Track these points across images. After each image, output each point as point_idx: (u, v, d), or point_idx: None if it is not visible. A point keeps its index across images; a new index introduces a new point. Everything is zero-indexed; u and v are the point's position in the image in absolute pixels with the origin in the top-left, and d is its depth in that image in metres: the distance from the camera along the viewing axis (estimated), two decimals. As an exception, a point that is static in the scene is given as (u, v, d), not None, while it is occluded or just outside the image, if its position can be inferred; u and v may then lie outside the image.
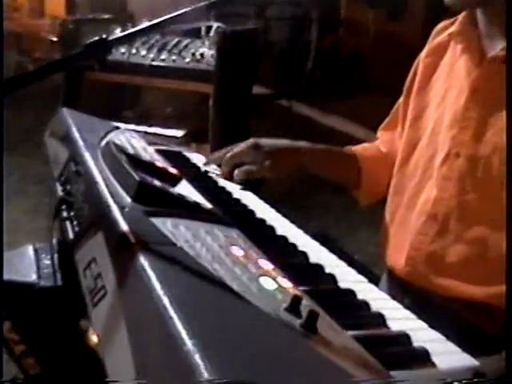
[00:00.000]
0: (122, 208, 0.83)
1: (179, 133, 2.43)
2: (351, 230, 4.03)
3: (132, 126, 2.44)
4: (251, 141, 1.42)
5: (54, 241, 1.03)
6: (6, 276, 0.99)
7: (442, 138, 1.26)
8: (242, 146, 1.41)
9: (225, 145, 1.45)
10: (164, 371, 0.52)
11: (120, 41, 0.95)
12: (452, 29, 1.31)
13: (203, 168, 1.45)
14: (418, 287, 1.27)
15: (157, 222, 0.83)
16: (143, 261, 0.67)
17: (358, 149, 1.54)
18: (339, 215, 4.13)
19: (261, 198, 1.32)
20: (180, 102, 2.91)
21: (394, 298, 1.35)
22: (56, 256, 1.00)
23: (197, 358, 0.50)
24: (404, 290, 1.31)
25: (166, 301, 0.58)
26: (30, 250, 1.05)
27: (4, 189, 1.02)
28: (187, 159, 1.53)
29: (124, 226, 0.77)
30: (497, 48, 1.18)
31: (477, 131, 1.18)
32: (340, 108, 5.93)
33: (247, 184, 1.39)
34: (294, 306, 0.68)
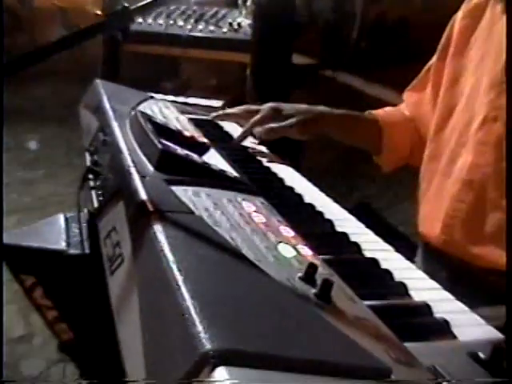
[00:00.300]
0: (143, 177, 0.83)
1: (217, 103, 2.42)
2: (395, 200, 3.99)
3: (170, 97, 2.45)
4: (271, 104, 1.42)
5: (84, 210, 1.04)
6: (37, 244, 1.01)
7: (479, 103, 1.22)
8: (262, 111, 1.41)
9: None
10: (169, 341, 0.52)
11: (142, 9, 0.94)
12: None
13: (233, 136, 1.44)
14: (454, 257, 1.24)
15: (178, 190, 0.83)
16: (158, 228, 0.67)
17: (380, 113, 1.52)
18: (383, 186, 4.09)
19: (292, 167, 1.32)
20: (218, 73, 2.90)
21: (430, 269, 1.34)
22: (85, 225, 1.01)
23: (200, 328, 0.49)
24: (440, 261, 1.29)
25: (175, 269, 0.58)
26: (61, 219, 1.07)
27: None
28: (220, 128, 1.53)
29: (143, 195, 0.77)
30: None
31: None
32: (385, 78, 5.84)
33: (284, 151, 1.39)
34: (309, 274, 0.67)
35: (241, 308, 0.55)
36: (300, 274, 0.68)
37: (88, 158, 1.12)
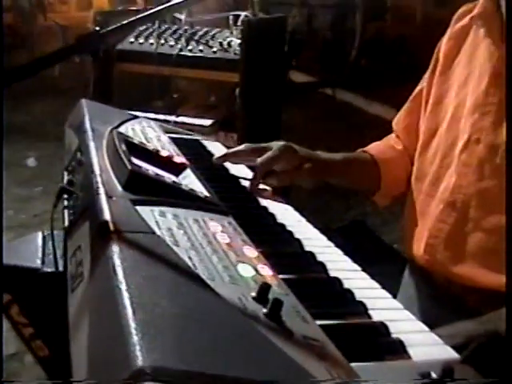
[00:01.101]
0: (109, 197, 0.85)
1: (207, 122, 2.45)
2: (391, 218, 4.00)
3: (161, 116, 2.48)
4: (285, 144, 1.29)
5: (57, 228, 1.06)
6: (13, 261, 1.03)
7: (463, 124, 1.25)
8: (275, 151, 1.26)
9: (251, 134, 1.42)
10: (111, 360, 0.54)
11: (114, 32, 0.96)
12: (474, 12, 1.29)
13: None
14: (437, 276, 1.27)
15: (144, 210, 0.85)
16: (114, 248, 0.68)
17: (374, 152, 1.49)
18: (380, 203, 4.09)
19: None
20: (209, 92, 2.93)
21: (415, 286, 1.36)
22: (60, 243, 1.03)
23: (137, 345, 0.51)
24: (424, 279, 1.31)
25: (122, 289, 0.60)
26: (39, 237, 1.08)
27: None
28: (203, 147, 1.54)
29: (106, 215, 0.79)
30: None
31: (497, 117, 1.17)
32: (385, 96, 5.87)
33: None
34: (262, 294, 0.69)
35: (183, 327, 0.57)
36: (253, 294, 0.69)
37: (65, 177, 1.14)
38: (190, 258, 0.74)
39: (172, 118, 2.42)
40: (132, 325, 0.54)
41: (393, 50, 6.46)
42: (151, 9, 1.02)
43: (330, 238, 1.08)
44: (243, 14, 2.60)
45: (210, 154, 1.48)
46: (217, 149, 1.54)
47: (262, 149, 1.28)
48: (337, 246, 1.04)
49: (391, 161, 1.49)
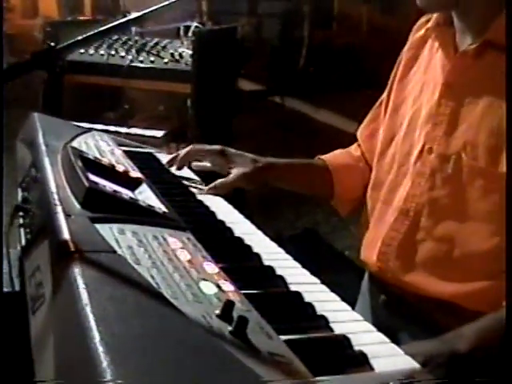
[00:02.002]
0: (68, 215, 0.84)
1: (159, 133, 2.44)
2: (341, 225, 4.04)
3: (113, 128, 2.46)
4: (218, 146, 1.42)
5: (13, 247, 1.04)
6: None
7: (418, 134, 1.27)
8: (208, 148, 1.42)
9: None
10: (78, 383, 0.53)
11: (71, 47, 0.95)
12: (429, 24, 1.31)
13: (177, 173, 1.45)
14: (390, 284, 1.28)
15: (103, 228, 0.84)
16: (76, 269, 0.68)
17: (328, 158, 1.52)
18: (329, 211, 4.13)
19: (226, 199, 1.33)
20: (161, 103, 2.92)
21: (372, 294, 1.37)
22: (16, 262, 1.01)
23: (104, 368, 0.51)
24: (379, 287, 1.33)
25: (87, 311, 0.59)
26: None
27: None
28: (157, 160, 1.54)
29: (66, 234, 0.78)
30: (469, 43, 1.19)
31: (449, 127, 1.19)
32: (333, 103, 5.93)
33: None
34: (226, 312, 0.69)
35: (149, 347, 0.57)
36: (217, 312, 0.69)
37: (20, 194, 1.12)
38: (152, 276, 0.74)
39: (123, 129, 2.40)
40: (99, 348, 0.54)
41: (340, 57, 6.53)
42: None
43: (281, 247, 1.10)
44: (194, 24, 2.60)
45: (164, 168, 1.48)
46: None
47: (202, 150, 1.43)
48: (288, 253, 1.06)
49: (345, 167, 1.51)
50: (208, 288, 0.77)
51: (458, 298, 1.16)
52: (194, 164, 1.44)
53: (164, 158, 1.57)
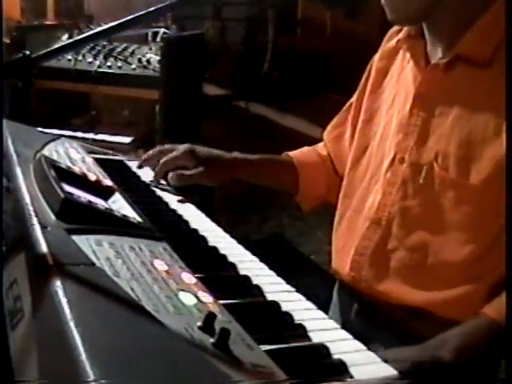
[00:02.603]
0: (44, 227, 0.83)
1: (127, 139, 2.42)
2: (307, 229, 4.05)
3: (80, 134, 2.44)
4: (186, 146, 1.44)
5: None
6: None
7: (389, 144, 1.28)
8: (176, 152, 1.43)
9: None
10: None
11: (45, 57, 0.94)
12: (400, 35, 1.32)
13: (144, 178, 1.45)
14: (363, 293, 1.29)
15: (79, 239, 0.83)
16: (57, 283, 0.67)
17: (295, 154, 1.56)
18: (295, 215, 4.16)
19: (199, 207, 1.34)
20: (128, 109, 2.90)
21: (343, 303, 1.38)
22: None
23: (91, 381, 0.51)
24: (351, 296, 1.33)
25: (72, 326, 0.59)
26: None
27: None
28: (128, 168, 1.53)
29: (43, 247, 0.77)
30: (439, 56, 1.20)
31: (420, 137, 1.20)
32: (298, 108, 5.95)
33: (187, 191, 1.40)
34: (208, 324, 0.69)
35: (134, 361, 0.57)
36: (199, 324, 0.70)
37: (-10, 204, 1.10)
38: (132, 289, 0.73)
39: (91, 135, 2.38)
40: (85, 363, 0.53)
41: (304, 62, 6.56)
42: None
43: (249, 251, 1.11)
44: (162, 30, 2.59)
45: (136, 176, 1.47)
46: (141, 169, 1.53)
47: (169, 150, 1.45)
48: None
49: (311, 164, 1.54)
50: (187, 299, 0.77)
51: (432, 305, 1.17)
52: (170, 177, 1.42)
53: (135, 165, 1.56)
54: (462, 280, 1.15)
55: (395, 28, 1.38)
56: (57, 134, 1.49)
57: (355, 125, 1.43)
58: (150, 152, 1.50)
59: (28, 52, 0.90)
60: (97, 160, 1.38)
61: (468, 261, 1.14)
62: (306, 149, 1.60)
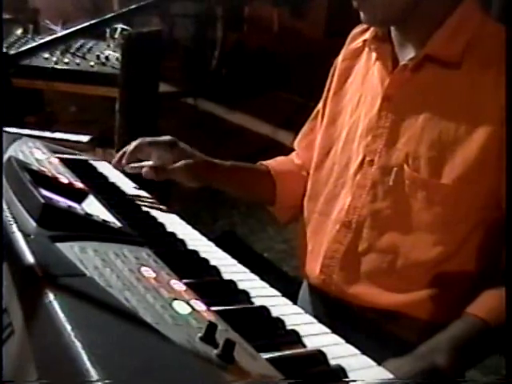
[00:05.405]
0: (26, 235, 0.79)
1: (84, 138, 2.36)
2: (259, 226, 4.05)
3: (36, 132, 2.35)
4: (170, 138, 1.35)
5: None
6: None
7: (357, 146, 1.26)
8: (160, 140, 1.34)
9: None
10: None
11: (24, 54, 0.90)
12: (366, 35, 1.31)
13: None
14: (333, 296, 1.28)
15: (64, 247, 0.80)
16: (51, 297, 0.64)
17: (271, 164, 1.50)
18: (246, 213, 4.14)
19: (172, 211, 1.30)
20: (85, 106, 2.84)
21: (312, 305, 1.37)
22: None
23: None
24: (321, 299, 1.32)
25: (76, 342, 0.56)
26: None
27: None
28: (93, 168, 1.48)
29: (29, 257, 0.73)
30: (407, 57, 1.20)
31: (389, 139, 1.19)
32: (247, 105, 5.93)
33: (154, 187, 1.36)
34: (210, 334, 0.67)
35: (139, 375, 0.55)
36: (200, 335, 0.67)
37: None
38: (126, 299, 0.71)
39: (48, 134, 2.30)
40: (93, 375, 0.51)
41: (252, 59, 6.54)
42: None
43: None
44: (120, 26, 2.54)
45: (103, 176, 1.43)
46: (106, 169, 1.48)
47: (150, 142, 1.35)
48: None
49: (288, 173, 1.49)
50: (182, 308, 0.74)
51: (403, 307, 1.18)
52: (129, 166, 1.36)
53: (100, 165, 1.51)
54: (432, 280, 1.16)
55: (358, 29, 1.38)
56: (17, 133, 1.44)
57: None
58: (132, 145, 1.38)
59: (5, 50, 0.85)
60: (62, 160, 1.33)
61: (438, 261, 1.15)
62: (280, 158, 1.55)
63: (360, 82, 1.32)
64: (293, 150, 1.56)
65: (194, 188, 1.35)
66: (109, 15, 0.92)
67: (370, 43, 1.28)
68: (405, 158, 1.16)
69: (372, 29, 1.29)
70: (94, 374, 0.52)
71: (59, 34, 0.90)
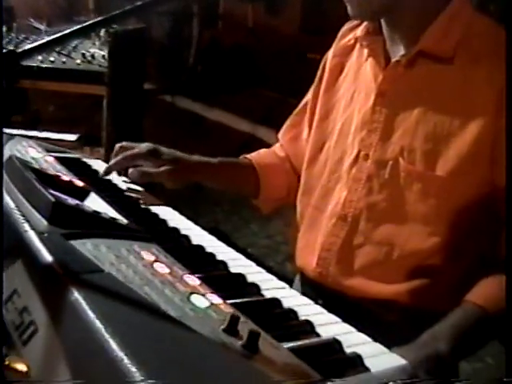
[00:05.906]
0: (40, 233, 0.79)
1: (72, 137, 2.34)
2: (241, 223, 4.05)
3: (23, 132, 2.32)
4: (149, 144, 1.36)
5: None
6: None
7: (351, 140, 1.27)
8: (139, 149, 1.35)
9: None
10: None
11: (30, 52, 0.89)
12: (358, 32, 1.32)
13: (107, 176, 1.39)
14: (329, 288, 1.28)
15: (77, 244, 0.80)
16: (76, 294, 0.64)
17: (254, 157, 1.52)
18: (228, 209, 4.15)
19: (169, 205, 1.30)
20: (71, 105, 2.81)
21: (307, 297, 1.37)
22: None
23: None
24: (316, 291, 1.32)
25: (109, 337, 0.56)
26: None
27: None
28: (88, 166, 1.47)
29: (47, 255, 0.73)
30: (400, 53, 1.21)
31: (384, 134, 1.21)
32: (224, 102, 5.93)
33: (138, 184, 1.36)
34: (233, 326, 0.68)
35: (179, 367, 0.56)
36: (223, 327, 0.68)
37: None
38: (146, 294, 0.71)
39: (35, 133, 2.28)
40: (135, 373, 0.51)
41: (228, 56, 6.53)
42: None
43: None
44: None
45: (98, 173, 1.42)
46: (101, 167, 1.47)
47: (131, 147, 1.36)
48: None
49: (271, 166, 1.51)
50: (200, 301, 0.75)
51: (399, 296, 1.19)
52: (131, 172, 1.37)
53: (93, 163, 1.51)
54: (426, 270, 1.18)
55: (348, 25, 1.38)
56: (7, 133, 1.42)
57: (312, 124, 1.42)
58: (115, 155, 1.39)
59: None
60: (57, 159, 1.33)
61: (433, 251, 1.17)
62: (263, 151, 1.56)
63: (352, 78, 1.33)
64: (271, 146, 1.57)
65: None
66: (109, 15, 0.92)
67: (362, 40, 1.29)
68: (400, 151, 1.18)
69: (363, 25, 1.30)
70: (135, 372, 0.52)
71: (59, 34, 0.89)
